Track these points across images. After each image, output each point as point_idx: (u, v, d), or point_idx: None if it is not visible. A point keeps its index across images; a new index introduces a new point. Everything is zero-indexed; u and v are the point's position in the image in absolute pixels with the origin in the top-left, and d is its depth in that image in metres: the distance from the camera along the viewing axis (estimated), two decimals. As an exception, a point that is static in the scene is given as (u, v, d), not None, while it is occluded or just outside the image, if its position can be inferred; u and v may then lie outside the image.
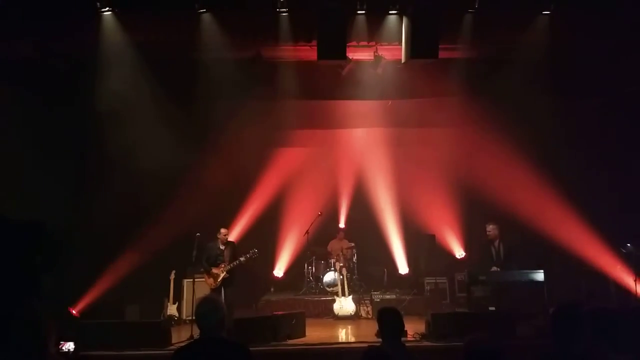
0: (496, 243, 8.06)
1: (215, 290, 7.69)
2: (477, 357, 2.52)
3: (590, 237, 8.51)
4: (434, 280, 9.63)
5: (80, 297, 7.99)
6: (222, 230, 8.03)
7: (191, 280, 8.11)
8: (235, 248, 8.06)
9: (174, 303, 8.75)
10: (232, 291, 7.80)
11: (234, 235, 9.42)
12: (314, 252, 10.16)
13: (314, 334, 7.28)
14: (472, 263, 9.22)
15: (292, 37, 7.72)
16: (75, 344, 5.81)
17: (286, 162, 10.30)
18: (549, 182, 8.73)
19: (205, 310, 2.85)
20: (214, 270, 7.78)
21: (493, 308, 7.65)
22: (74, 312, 7.80)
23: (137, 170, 8.21)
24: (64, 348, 5.73)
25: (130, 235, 8.49)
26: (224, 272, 7.75)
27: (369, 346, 2.79)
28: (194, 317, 7.40)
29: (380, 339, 3.61)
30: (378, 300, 8.96)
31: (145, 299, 8.69)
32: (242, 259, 7.79)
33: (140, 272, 8.44)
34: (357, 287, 9.53)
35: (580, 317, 2.89)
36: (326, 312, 8.91)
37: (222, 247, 7.91)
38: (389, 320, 3.53)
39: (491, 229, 8.08)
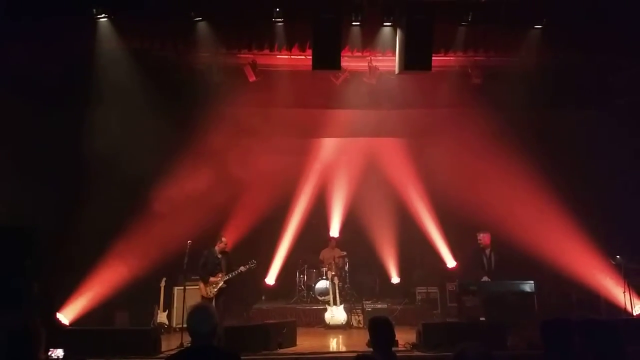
0: (487, 251, 8.11)
1: (209, 299, 7.62)
2: (467, 368, 2.52)
3: (581, 249, 8.57)
4: (425, 290, 9.66)
5: (69, 303, 7.90)
6: (224, 239, 7.97)
7: (182, 287, 8.06)
8: (229, 258, 7.97)
9: (164, 311, 8.69)
10: (225, 299, 7.75)
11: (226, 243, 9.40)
12: (306, 260, 10.15)
13: (305, 343, 7.27)
14: (464, 273, 9.26)
15: (287, 46, 7.78)
16: (64, 351, 5.75)
17: (279, 170, 10.30)
18: (540, 192, 8.79)
19: (197, 318, 2.83)
20: (212, 279, 7.68)
21: (484, 318, 7.68)
22: (62, 318, 7.71)
23: (128, 177, 8.17)
24: (53, 355, 5.67)
25: (121, 242, 8.43)
26: (222, 282, 7.68)
27: (358, 355, 2.79)
28: (184, 325, 7.36)
29: (371, 349, 3.61)
30: (369, 309, 8.96)
31: (135, 306, 8.63)
32: (242, 268, 7.75)
33: (130, 279, 8.37)
34: (349, 296, 9.52)
35: (570, 329, 2.92)
36: (317, 321, 8.89)
37: (219, 255, 7.84)
38: (380, 330, 3.54)
39: (482, 237, 8.14)
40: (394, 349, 3.67)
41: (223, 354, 2.84)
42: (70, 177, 8.16)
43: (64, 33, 7.20)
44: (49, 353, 5.64)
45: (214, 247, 7.91)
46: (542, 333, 3.02)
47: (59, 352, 5.74)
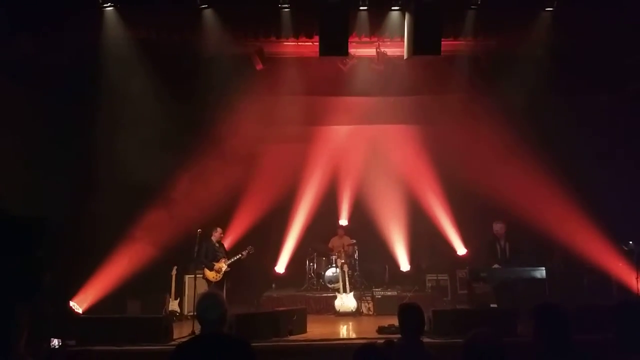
0: (502, 241, 8.03)
1: (218, 285, 7.96)
2: (477, 354, 2.51)
3: (593, 234, 8.48)
4: (435, 277, 9.65)
5: (82, 292, 8.00)
6: (219, 229, 8.39)
7: (193, 276, 8.15)
8: (225, 248, 8.46)
9: (175, 299, 8.77)
10: (232, 284, 8.15)
11: (236, 232, 9.46)
12: (316, 248, 10.17)
13: (315, 330, 7.29)
14: (474, 260, 9.21)
15: (294, 33, 7.70)
16: (61, 341, 5.84)
17: (288, 158, 10.28)
18: (551, 178, 8.70)
19: (206, 305, 2.82)
20: (217, 265, 8.08)
21: (494, 305, 7.64)
22: (75, 307, 7.80)
23: (139, 165, 8.19)
24: (51, 345, 5.75)
25: (132, 231, 8.50)
26: (226, 267, 8.10)
27: (363, 344, 2.77)
28: (195, 313, 7.44)
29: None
30: (379, 297, 8.95)
31: (147, 294, 8.71)
32: (242, 254, 8.16)
33: (142, 267, 8.44)
34: (359, 284, 9.54)
35: (565, 317, 2.90)
36: (327, 308, 8.92)
37: (217, 244, 8.28)
38: (410, 317, 3.48)
39: (499, 227, 8.04)
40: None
41: (233, 341, 2.83)
42: (82, 167, 8.21)
43: (70, 23, 7.18)
44: (50, 342, 5.72)
45: (211, 237, 8.26)
46: (536, 322, 2.99)
47: (55, 342, 5.82)
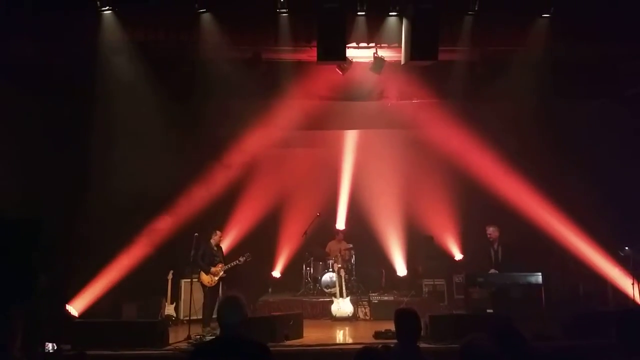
0: (495, 245, 8.05)
1: (213, 289, 7.96)
2: (473, 359, 2.51)
3: (589, 240, 8.51)
4: (432, 282, 9.64)
5: (78, 295, 7.96)
6: (219, 232, 8.35)
7: (189, 280, 8.13)
8: (222, 252, 8.43)
9: (171, 303, 8.75)
10: (226, 288, 8.02)
11: (233, 236, 9.46)
12: (312, 253, 10.16)
13: (312, 335, 7.28)
14: (471, 265, 9.22)
15: (292, 38, 7.70)
16: (56, 345, 5.81)
17: (285, 163, 10.29)
18: (548, 185, 8.73)
19: (228, 309, 2.84)
20: (213, 269, 8.05)
21: (491, 310, 7.65)
22: (71, 310, 7.77)
23: (136, 169, 8.18)
24: (45, 349, 5.74)
25: (128, 234, 8.48)
26: (222, 272, 8.06)
27: (364, 347, 2.77)
28: (192, 317, 7.42)
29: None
30: (376, 301, 8.95)
31: (143, 298, 8.69)
32: (239, 260, 8.11)
33: (137, 271, 8.42)
34: (355, 289, 9.53)
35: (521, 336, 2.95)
36: (324, 313, 8.90)
37: (215, 248, 8.25)
38: (407, 322, 3.48)
39: (492, 231, 8.08)
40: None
41: (252, 344, 2.82)
42: (80, 169, 8.19)
43: (68, 26, 7.18)
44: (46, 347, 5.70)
45: (210, 240, 8.24)
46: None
47: (50, 346, 5.80)
